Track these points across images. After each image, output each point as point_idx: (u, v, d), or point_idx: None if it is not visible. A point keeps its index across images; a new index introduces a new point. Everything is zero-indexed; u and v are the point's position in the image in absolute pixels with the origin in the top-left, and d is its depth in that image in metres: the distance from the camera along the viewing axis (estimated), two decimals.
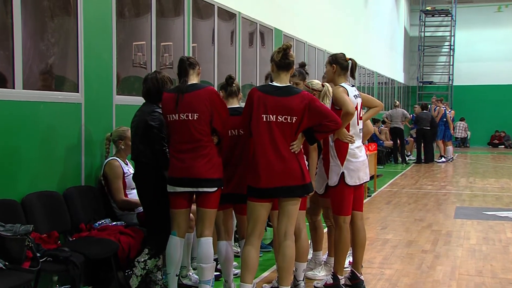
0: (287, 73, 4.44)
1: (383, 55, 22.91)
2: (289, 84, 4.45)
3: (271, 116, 4.30)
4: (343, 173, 4.96)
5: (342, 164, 4.96)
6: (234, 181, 4.76)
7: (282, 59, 4.40)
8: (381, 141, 17.42)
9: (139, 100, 5.13)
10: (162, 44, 6.93)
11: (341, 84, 5.02)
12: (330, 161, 5.03)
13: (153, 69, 6.48)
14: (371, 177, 11.26)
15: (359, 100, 5.11)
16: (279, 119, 4.30)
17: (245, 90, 8.54)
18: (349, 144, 4.97)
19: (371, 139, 15.91)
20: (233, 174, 4.77)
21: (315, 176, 5.08)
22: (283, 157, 4.31)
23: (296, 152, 4.36)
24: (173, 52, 7.26)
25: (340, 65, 5.06)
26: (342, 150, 4.98)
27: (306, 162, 4.80)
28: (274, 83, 4.43)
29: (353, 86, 5.16)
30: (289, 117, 4.30)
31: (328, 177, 5.16)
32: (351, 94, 5.00)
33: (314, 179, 5.02)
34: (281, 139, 4.31)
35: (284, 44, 4.44)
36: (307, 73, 5.61)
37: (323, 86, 5.35)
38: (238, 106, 4.92)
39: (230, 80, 4.93)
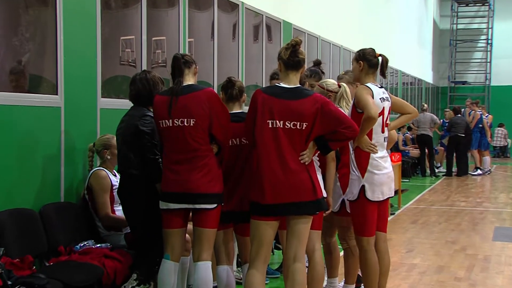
0: (296, 72, 4.46)
1: (408, 51, 22.92)
2: (298, 85, 4.48)
3: (278, 122, 4.32)
4: (363, 186, 4.98)
5: (362, 176, 4.98)
6: (236, 197, 4.77)
7: (291, 57, 4.42)
8: (406, 151, 17.41)
9: (127, 104, 5.16)
10: (153, 39, 6.97)
11: (367, 84, 5.03)
12: (350, 172, 5.06)
13: (144, 67, 6.52)
14: (395, 192, 11.26)
15: (386, 104, 5.12)
16: (287, 125, 4.32)
17: (249, 92, 8.56)
18: (371, 154, 4.98)
19: (394, 148, 15.92)
20: (235, 188, 4.78)
21: (331, 191, 5.09)
22: (292, 169, 4.32)
23: (306, 163, 4.38)
24: (166, 48, 7.30)
25: (368, 62, 5.08)
26: (363, 161, 4.99)
27: (320, 176, 4.81)
28: (282, 84, 4.45)
29: (381, 87, 5.18)
30: (298, 123, 4.31)
31: (344, 192, 5.18)
32: (377, 96, 5.01)
33: (331, 194, 5.05)
34: (289, 148, 4.33)
35: (293, 39, 4.45)
36: (323, 73, 5.64)
37: (339, 86, 5.36)
38: (240, 111, 4.93)
39: (230, 83, 4.94)
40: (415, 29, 24.85)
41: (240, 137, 4.75)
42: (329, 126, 4.36)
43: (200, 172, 4.53)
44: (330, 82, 5.44)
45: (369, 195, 4.97)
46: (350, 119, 4.52)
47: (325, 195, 4.78)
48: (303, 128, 4.32)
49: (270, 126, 4.33)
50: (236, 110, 4.91)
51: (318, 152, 4.56)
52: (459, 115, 17.79)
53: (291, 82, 4.45)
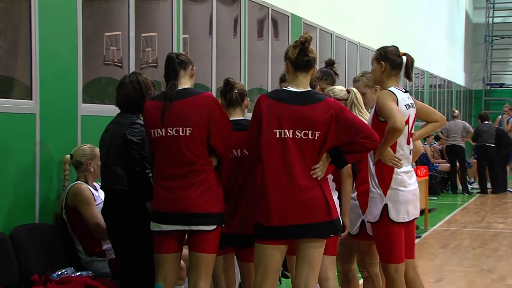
0: (306, 74, 4.48)
1: (436, 49, 22.93)
2: (309, 89, 4.50)
3: (286, 131, 4.34)
4: (386, 205, 4.98)
5: (385, 194, 4.99)
6: (238, 217, 4.79)
7: (300, 56, 4.43)
8: (434, 164, 17.39)
9: (113, 110, 5.16)
10: (143, 35, 7.00)
11: (390, 89, 5.03)
12: (370, 189, 5.08)
13: (132, 68, 6.54)
14: (421, 212, 11.23)
15: (411, 111, 5.12)
16: (297, 135, 4.34)
17: (252, 97, 8.59)
18: (395, 169, 5.00)
19: (420, 160, 15.89)
20: (236, 207, 4.80)
21: (348, 210, 5.10)
22: (302, 185, 4.34)
23: (319, 178, 4.40)
24: (157, 46, 7.33)
25: (391, 62, 5.09)
26: (386, 176, 5.00)
27: (335, 193, 4.84)
28: (290, 88, 4.47)
29: (406, 91, 5.19)
30: (310, 132, 4.33)
31: (363, 212, 5.21)
32: (402, 102, 5.01)
33: (347, 214, 5.06)
34: (299, 161, 4.34)
35: (302, 36, 4.46)
36: (336, 74, 5.66)
37: (348, 92, 5.39)
38: (241, 118, 4.95)
39: (228, 86, 4.96)
40: (444, 23, 24.87)
41: (242, 147, 4.77)
42: (345, 136, 4.38)
43: (197, 189, 4.55)
44: (337, 89, 5.43)
45: (393, 215, 4.97)
46: (370, 127, 4.53)
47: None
48: (316, 137, 4.34)
49: (277, 136, 4.35)
50: (237, 117, 4.92)
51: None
52: (486, 122, 17.75)
53: (300, 85, 4.46)
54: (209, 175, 4.61)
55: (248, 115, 4.77)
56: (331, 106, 4.39)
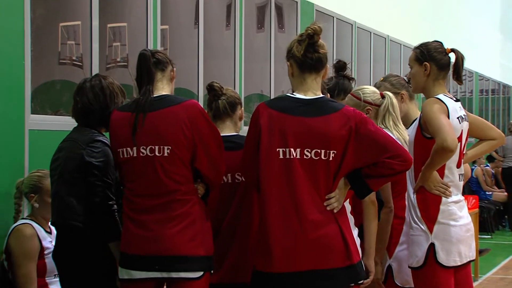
0: (317, 75, 4.46)
1: (488, 44, 22.99)
2: (321, 96, 4.47)
3: (292, 150, 4.31)
4: (432, 245, 4.98)
5: (431, 231, 5.00)
6: (228, 262, 4.77)
7: (308, 53, 4.41)
8: (486, 192, 17.37)
9: (69, 123, 5.16)
10: (109, 25, 7.02)
11: (438, 96, 5.05)
12: (410, 225, 5.10)
13: (95, 68, 6.55)
14: None
15: (465, 126, 5.15)
16: (307, 155, 4.31)
17: (251, 105, 8.60)
18: (443, 198, 5.00)
19: (467, 187, 15.85)
20: (226, 249, 4.78)
21: (373, 251, 5.08)
22: (313, 220, 4.29)
23: (335, 211, 4.36)
24: (128, 40, 7.36)
25: (437, 63, 5.12)
26: (431, 208, 5.01)
27: (355, 229, 4.83)
28: (296, 94, 4.45)
29: (457, 100, 5.21)
30: (323, 151, 4.30)
31: (390, 254, 5.20)
32: (454, 114, 5.03)
33: (372, 256, 5.05)
34: (309, 189, 4.31)
35: (309, 27, 4.43)
36: (350, 80, 5.58)
37: (382, 97, 5.41)
38: (232, 133, 4.97)
39: (212, 91, 4.99)
40: (498, 12, 24.95)
41: (234, 171, 4.77)
42: (367, 155, 4.35)
43: (178, 225, 4.53)
44: (369, 90, 5.45)
45: (442, 257, 4.97)
46: (399, 144, 4.50)
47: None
48: (330, 158, 4.31)
49: (281, 156, 4.32)
50: (226, 132, 4.93)
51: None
52: None
53: (309, 90, 4.44)
54: (193, 206, 4.58)
55: (245, 130, 4.74)
56: (350, 117, 4.35)
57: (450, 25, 18.78)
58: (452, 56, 5.18)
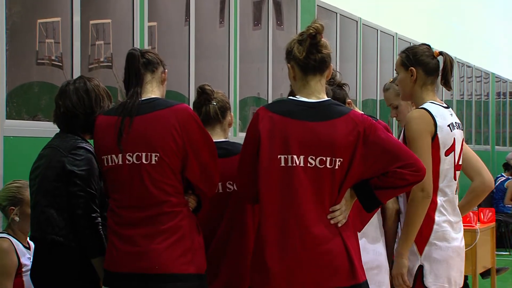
0: (320, 77, 4.47)
1: (506, 44, 22.99)
2: (326, 98, 4.48)
3: (295, 157, 4.30)
4: (421, 268, 5.02)
5: (421, 252, 5.03)
6: (220, 280, 4.77)
7: (310, 54, 4.40)
8: (505, 205, 17.36)
9: (49, 129, 5.12)
10: (92, 22, 7.03)
11: (424, 106, 5.08)
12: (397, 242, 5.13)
13: (76, 68, 6.55)
14: (487, 272, 11.15)
15: (458, 134, 5.15)
16: (311, 163, 4.30)
17: (247, 109, 8.59)
18: (436, 217, 5.03)
19: (487, 200, 15.82)
20: (217, 265, 4.78)
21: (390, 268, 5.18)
22: (316, 234, 4.31)
23: (340, 225, 4.37)
24: (112, 38, 7.35)
25: (424, 67, 5.14)
26: (423, 226, 5.02)
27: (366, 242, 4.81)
28: (299, 98, 4.45)
29: (447, 107, 5.22)
30: (328, 158, 4.30)
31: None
32: (443, 122, 5.05)
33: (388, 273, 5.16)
34: (313, 200, 4.31)
35: (310, 26, 4.42)
36: (341, 86, 5.54)
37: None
38: (222, 139, 5.00)
39: (203, 94, 4.99)
40: None
41: (225, 180, 4.78)
42: (377, 164, 4.36)
43: (167, 240, 4.52)
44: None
45: (430, 281, 5.01)
46: (411, 152, 4.50)
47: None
48: (336, 166, 4.31)
49: (282, 163, 4.32)
50: (216, 138, 4.94)
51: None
52: None
53: (313, 93, 4.44)
54: (184, 220, 4.56)
55: (240, 136, 4.72)
56: (358, 122, 4.35)
57: (465, 23, 18.78)
58: (441, 60, 5.20)
